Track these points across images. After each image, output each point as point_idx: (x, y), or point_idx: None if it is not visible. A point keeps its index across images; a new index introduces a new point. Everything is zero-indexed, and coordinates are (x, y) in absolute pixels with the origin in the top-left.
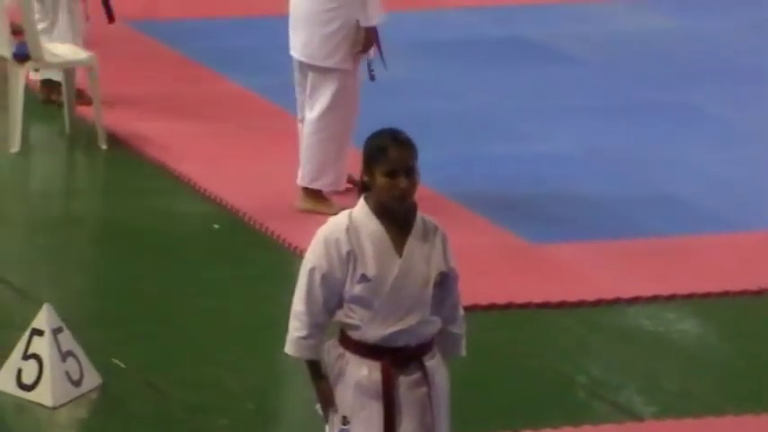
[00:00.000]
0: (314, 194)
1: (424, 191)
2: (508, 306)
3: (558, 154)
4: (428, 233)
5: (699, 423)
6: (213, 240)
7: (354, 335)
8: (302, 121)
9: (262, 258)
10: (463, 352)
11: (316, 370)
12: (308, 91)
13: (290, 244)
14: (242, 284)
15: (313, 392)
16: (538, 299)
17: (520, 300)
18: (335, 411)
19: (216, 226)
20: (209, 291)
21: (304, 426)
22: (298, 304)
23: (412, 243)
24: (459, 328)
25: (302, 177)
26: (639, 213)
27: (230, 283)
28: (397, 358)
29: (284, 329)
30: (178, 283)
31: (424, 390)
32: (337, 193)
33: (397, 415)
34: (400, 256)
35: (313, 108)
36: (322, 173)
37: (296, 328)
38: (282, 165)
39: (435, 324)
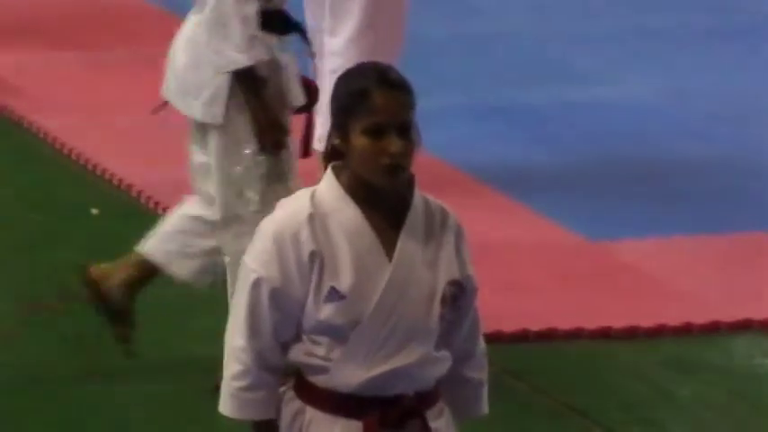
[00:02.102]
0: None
1: (428, 161)
2: (550, 335)
3: (636, 101)
4: (433, 223)
5: None
6: (91, 231)
7: (320, 381)
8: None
9: None
10: (486, 408)
11: None
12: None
13: None
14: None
15: None
16: (595, 324)
17: (569, 324)
18: None
19: (94, 210)
20: (85, 312)
21: None
22: (236, 337)
23: (408, 239)
24: (480, 371)
25: (320, 138)
26: (754, 194)
27: None
28: (386, 415)
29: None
30: (40, 301)
31: None
32: None
33: None
34: (390, 258)
35: (336, 31)
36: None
37: (234, 374)
38: None
39: (444, 363)
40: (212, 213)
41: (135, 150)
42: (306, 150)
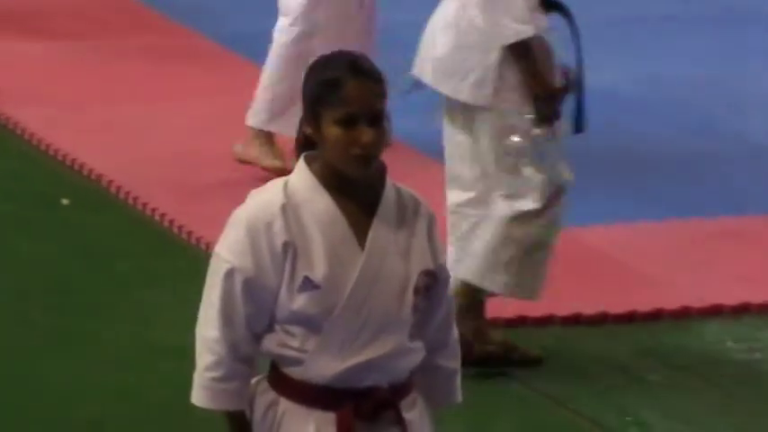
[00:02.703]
0: (265, 140)
1: (401, 149)
2: (521, 321)
3: (606, 87)
4: (405, 212)
5: None
6: (61, 221)
7: (294, 372)
8: None
9: (137, 252)
10: (459, 396)
11: (240, 426)
12: None
13: (182, 229)
14: (106, 292)
15: None
16: (566, 310)
17: (540, 311)
18: None
19: (65, 201)
20: (62, 303)
21: None
22: (208, 328)
23: (380, 228)
24: (454, 360)
25: (253, 113)
26: (724, 179)
27: (90, 289)
28: (360, 407)
29: (180, 357)
30: (10, 292)
31: None
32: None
33: None
34: (363, 248)
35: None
36: (285, 109)
37: (207, 365)
38: (177, 107)
39: (417, 353)
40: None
41: (106, 141)
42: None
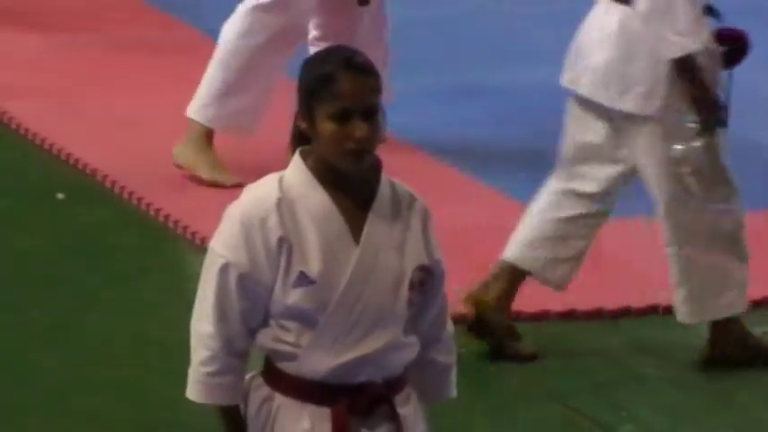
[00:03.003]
0: (201, 136)
1: (395, 144)
2: (517, 316)
3: None
4: (400, 207)
5: None
6: (57, 216)
7: (289, 368)
8: None
9: (131, 246)
10: (454, 391)
11: (234, 421)
12: None
13: (177, 224)
14: (101, 286)
15: None
16: (561, 306)
17: (535, 307)
18: None
19: (60, 195)
20: (54, 297)
21: None
22: (203, 323)
23: (375, 223)
24: (448, 354)
25: (192, 103)
26: None
27: (85, 283)
28: (354, 403)
29: (177, 355)
30: (5, 286)
31: None
32: None
33: None
34: (358, 243)
35: None
36: (213, 99)
37: (202, 360)
38: (171, 100)
39: (411, 348)
40: (591, 207)
41: (102, 135)
42: None
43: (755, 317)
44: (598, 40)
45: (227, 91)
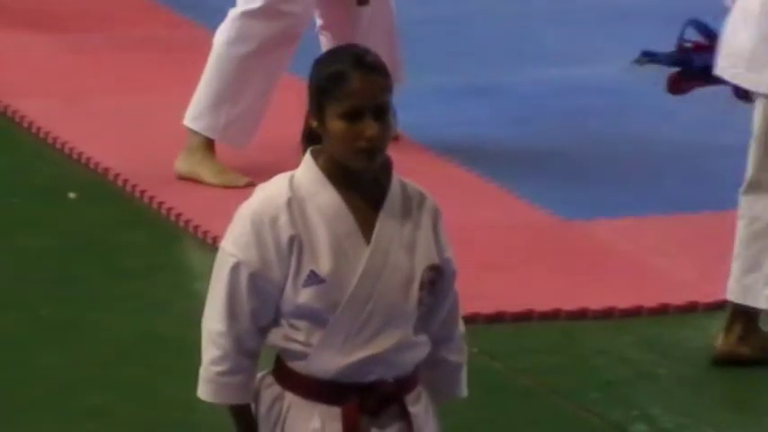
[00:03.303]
0: (199, 147)
1: (405, 144)
2: (528, 315)
3: (610, 81)
4: (411, 206)
5: None
6: (68, 215)
7: (299, 367)
8: None
9: (142, 244)
10: (464, 391)
11: (245, 420)
12: None
13: (188, 223)
14: (112, 284)
15: None
16: (572, 305)
17: (546, 305)
18: None
19: (71, 194)
20: (67, 296)
21: None
22: (214, 322)
23: (386, 222)
24: (459, 354)
25: (187, 112)
26: (730, 174)
27: (96, 281)
28: (365, 401)
29: (188, 350)
30: (16, 285)
31: None
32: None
33: None
34: (369, 242)
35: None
36: (211, 108)
37: (213, 359)
38: (182, 100)
39: (422, 347)
40: None
41: (111, 134)
42: None
43: None
44: (741, 20)
45: (219, 101)
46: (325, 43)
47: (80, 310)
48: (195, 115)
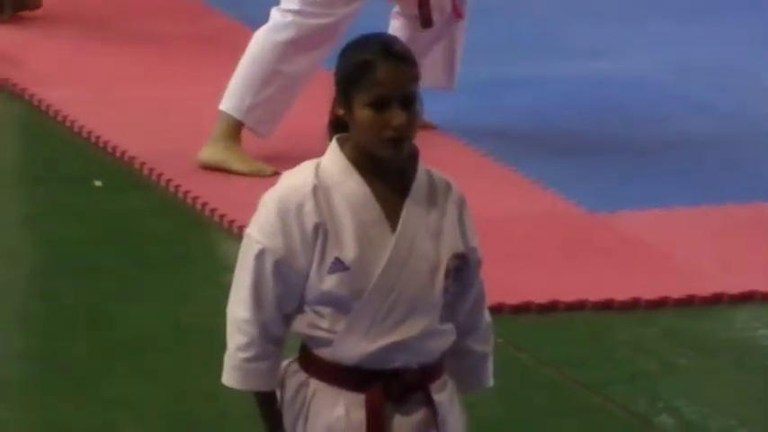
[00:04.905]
0: (225, 135)
1: (431, 133)
2: (554, 306)
3: (636, 75)
4: (436, 195)
5: None
6: (94, 203)
7: (324, 353)
8: None
9: (168, 234)
10: (490, 381)
11: (270, 407)
12: None
13: (214, 212)
14: (137, 273)
15: None
16: (598, 296)
17: (571, 296)
18: None
19: (97, 182)
20: (93, 285)
21: None
22: (239, 309)
23: (412, 210)
24: (485, 344)
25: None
26: (757, 165)
27: (121, 270)
28: (389, 388)
29: (214, 340)
30: (43, 274)
31: None
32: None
33: None
34: (394, 230)
35: None
36: (239, 89)
37: (239, 345)
38: (208, 89)
39: (448, 335)
40: None
41: (137, 123)
42: None
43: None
44: None
45: (247, 84)
46: (397, 27)
47: (106, 299)
48: (225, 97)
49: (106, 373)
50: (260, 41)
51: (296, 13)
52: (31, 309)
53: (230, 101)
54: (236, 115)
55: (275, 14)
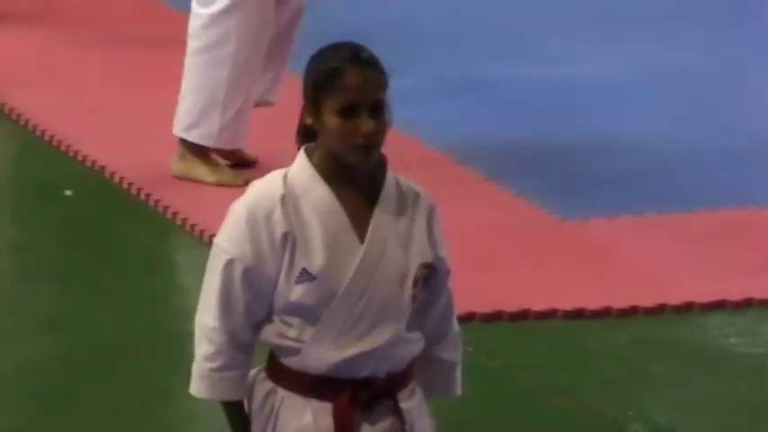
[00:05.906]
0: (193, 151)
1: (400, 140)
2: (525, 314)
3: (601, 80)
4: (405, 204)
5: None
6: (64, 212)
7: (292, 362)
8: None
9: (140, 242)
10: (458, 390)
11: (238, 415)
12: None
13: (185, 221)
14: (108, 280)
15: None
16: (569, 304)
17: (543, 304)
18: None
19: (68, 192)
20: (64, 292)
21: None
22: (207, 317)
23: (380, 219)
24: (453, 352)
25: (176, 122)
26: (726, 172)
27: (92, 277)
28: (357, 397)
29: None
30: (12, 283)
31: None
32: (227, 155)
33: None
34: (363, 238)
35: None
36: (202, 116)
37: (207, 354)
38: (177, 99)
39: (415, 344)
40: None
41: (109, 131)
42: None
43: (765, 316)
44: None
45: (209, 107)
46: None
47: (78, 305)
48: (187, 125)
49: (80, 378)
50: (208, 61)
51: (227, 14)
52: (1, 315)
53: (196, 129)
54: (208, 143)
55: (206, 28)
